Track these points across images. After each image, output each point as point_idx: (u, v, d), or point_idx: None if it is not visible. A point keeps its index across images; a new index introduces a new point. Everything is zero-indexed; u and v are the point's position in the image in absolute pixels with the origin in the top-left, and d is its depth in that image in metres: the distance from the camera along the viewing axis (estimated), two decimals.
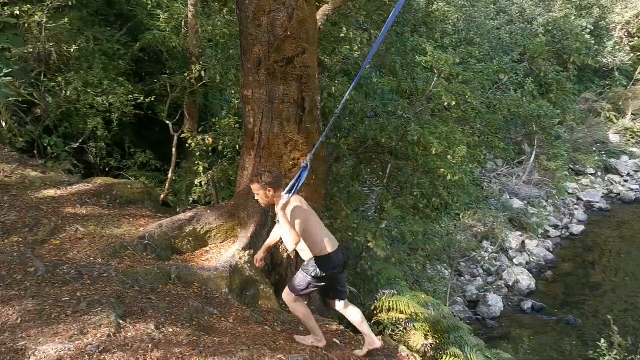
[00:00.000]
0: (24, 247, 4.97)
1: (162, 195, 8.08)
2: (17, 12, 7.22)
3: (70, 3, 7.66)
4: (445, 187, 7.17)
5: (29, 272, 4.56)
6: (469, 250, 14.88)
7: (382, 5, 7.91)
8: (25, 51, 7.52)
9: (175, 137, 8.77)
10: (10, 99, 7.01)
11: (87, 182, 6.61)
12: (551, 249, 16.66)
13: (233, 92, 8.03)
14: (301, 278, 4.50)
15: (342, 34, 7.21)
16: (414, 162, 7.17)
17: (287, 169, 5.76)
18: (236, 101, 8.36)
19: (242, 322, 4.83)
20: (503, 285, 14.40)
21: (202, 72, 8.19)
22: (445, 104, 6.77)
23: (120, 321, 3.99)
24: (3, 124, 7.20)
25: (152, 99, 8.59)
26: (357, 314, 4.79)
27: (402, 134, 6.99)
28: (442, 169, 6.33)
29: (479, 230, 15.82)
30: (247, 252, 5.66)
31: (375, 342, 4.82)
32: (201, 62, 8.35)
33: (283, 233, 4.32)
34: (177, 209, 8.01)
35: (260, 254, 4.72)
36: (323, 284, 4.52)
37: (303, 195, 5.88)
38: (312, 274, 4.44)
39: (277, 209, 4.34)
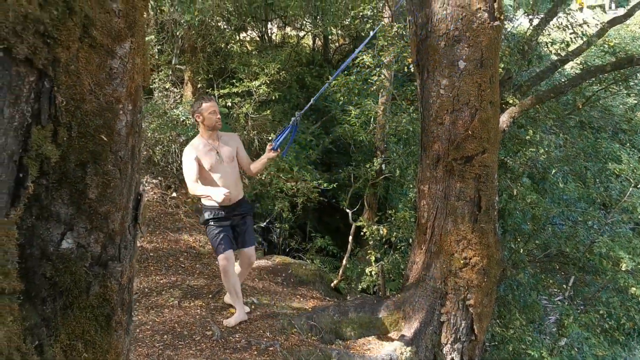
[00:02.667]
0: (206, 312, 5.46)
1: (334, 282, 8.32)
2: (230, 104, 8.30)
3: (274, 97, 8.60)
4: (639, 310, 6.37)
5: (206, 335, 4.98)
6: None
7: (575, 110, 7.63)
8: None
9: (353, 226, 9.11)
10: None
11: (267, 259, 7.11)
12: None
13: (411, 186, 8.18)
14: (208, 231, 4.94)
15: (528, 137, 7.06)
16: (602, 277, 6.53)
17: (458, 267, 5.64)
18: (412, 195, 8.50)
19: None
20: None
21: (384, 166, 8.51)
22: None
23: None
24: None
25: (335, 185, 9.08)
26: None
27: (588, 245, 6.46)
28: (634, 288, 5.67)
29: None
30: (409, 348, 5.55)
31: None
32: (383, 156, 8.70)
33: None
34: (348, 297, 8.18)
35: None
36: (225, 226, 4.92)
37: (473, 298, 5.71)
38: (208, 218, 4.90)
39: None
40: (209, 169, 4.82)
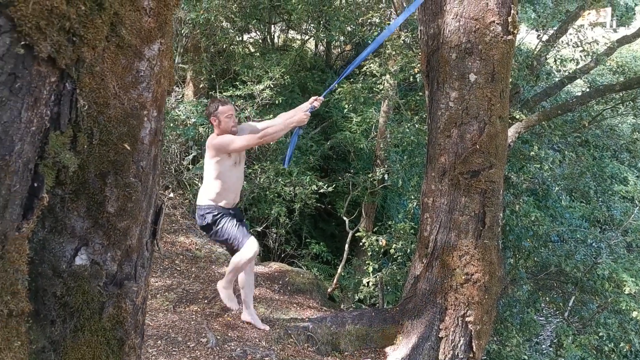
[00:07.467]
0: (201, 317, 5.33)
1: (329, 289, 8.22)
2: None
3: (277, 102, 8.50)
4: (638, 332, 6.30)
5: (201, 342, 4.85)
6: None
7: (581, 128, 7.58)
8: None
9: (350, 234, 9.01)
10: None
11: (264, 265, 6.98)
12: None
13: (412, 197, 8.09)
14: (223, 227, 4.76)
15: (532, 153, 6.99)
16: (603, 298, 6.45)
17: (460, 283, 5.53)
18: (411, 205, 8.41)
19: None
20: None
21: (386, 176, 8.41)
22: None
23: None
24: None
25: (334, 189, 8.97)
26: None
27: (590, 266, 6.39)
28: (636, 312, 5.60)
29: None
30: None
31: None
32: (385, 166, 8.61)
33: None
34: (342, 305, 8.08)
35: None
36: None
37: (473, 315, 5.62)
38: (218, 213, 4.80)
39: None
40: (231, 166, 4.72)
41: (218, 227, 4.73)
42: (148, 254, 1.37)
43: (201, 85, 9.05)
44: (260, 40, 12.90)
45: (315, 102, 4.95)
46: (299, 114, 4.82)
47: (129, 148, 1.23)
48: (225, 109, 4.66)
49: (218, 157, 4.64)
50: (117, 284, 1.27)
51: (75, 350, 1.18)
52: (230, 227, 4.71)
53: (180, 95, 8.57)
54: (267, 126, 5.01)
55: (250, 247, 4.71)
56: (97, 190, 1.20)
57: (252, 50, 11.77)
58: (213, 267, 6.50)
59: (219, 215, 4.73)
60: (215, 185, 4.71)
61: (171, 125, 7.32)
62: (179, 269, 6.23)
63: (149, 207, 1.33)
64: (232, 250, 4.94)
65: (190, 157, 7.71)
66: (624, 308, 5.83)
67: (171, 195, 7.61)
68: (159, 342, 4.75)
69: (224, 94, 8.10)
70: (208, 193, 4.75)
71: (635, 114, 7.84)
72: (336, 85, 5.50)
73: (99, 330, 1.23)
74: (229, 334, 5.13)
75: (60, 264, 1.18)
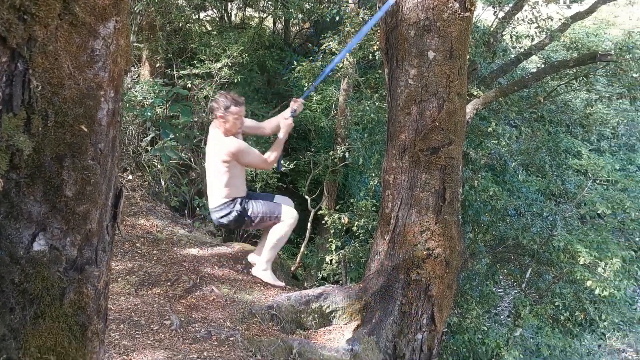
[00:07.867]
0: (164, 300, 5.29)
1: (292, 268, 8.25)
2: (190, 86, 8.05)
3: (235, 80, 8.39)
4: (592, 301, 6.57)
5: (165, 325, 4.82)
6: None
7: (537, 104, 7.75)
8: (191, 120, 8.28)
9: (312, 213, 9.04)
10: (172, 161, 7.72)
11: (227, 246, 6.95)
12: None
13: (373, 175, 8.16)
14: (253, 210, 4.85)
15: (490, 129, 7.12)
16: (558, 269, 6.68)
17: (421, 258, 5.64)
18: (372, 183, 8.49)
19: None
20: None
21: (347, 154, 8.45)
22: (599, 211, 6.33)
23: None
24: (162, 183, 7.88)
25: (294, 168, 8.99)
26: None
27: (546, 238, 6.59)
28: (590, 282, 5.83)
29: (630, 356, 14.22)
30: (369, 338, 5.54)
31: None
32: (346, 144, 8.64)
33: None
34: (305, 284, 8.13)
35: None
36: None
37: (435, 289, 5.75)
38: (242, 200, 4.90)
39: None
40: (241, 166, 4.73)
41: (250, 213, 4.76)
42: (109, 237, 1.35)
43: (157, 65, 8.86)
44: (217, 18, 12.67)
45: (294, 104, 4.99)
46: (285, 123, 4.94)
47: (86, 130, 1.19)
48: (236, 110, 4.57)
49: (229, 164, 4.64)
50: (77, 269, 1.24)
51: (36, 337, 1.16)
52: (258, 205, 4.73)
53: (136, 75, 8.38)
54: (258, 126, 5.34)
55: (289, 213, 4.76)
56: (54, 173, 1.17)
57: (209, 28, 11.56)
58: (175, 249, 6.44)
59: (244, 202, 4.74)
60: (229, 184, 4.72)
61: (127, 105, 7.15)
62: (140, 251, 6.15)
63: (108, 190, 1.30)
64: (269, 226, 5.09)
65: (149, 138, 7.57)
66: (578, 278, 6.06)
67: (130, 177, 7.47)
68: (122, 325, 4.70)
69: (181, 72, 7.95)
70: (224, 192, 4.75)
71: (588, 89, 8.07)
72: (314, 88, 5.58)
73: (60, 317, 1.21)
74: (193, 316, 5.11)
75: (18, 250, 1.15)
